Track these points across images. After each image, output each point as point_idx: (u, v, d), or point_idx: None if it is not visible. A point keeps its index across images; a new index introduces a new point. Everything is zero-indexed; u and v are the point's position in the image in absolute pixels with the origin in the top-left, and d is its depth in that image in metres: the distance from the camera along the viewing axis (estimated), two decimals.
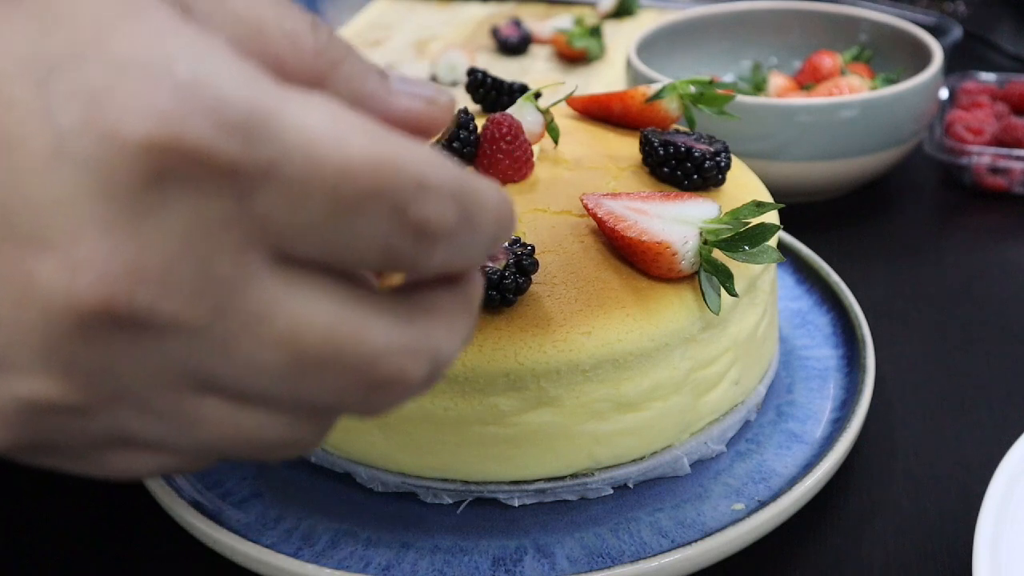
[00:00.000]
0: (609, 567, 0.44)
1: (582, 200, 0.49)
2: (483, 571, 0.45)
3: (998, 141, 0.80)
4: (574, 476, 0.48)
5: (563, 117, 0.60)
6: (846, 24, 0.89)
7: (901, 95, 0.74)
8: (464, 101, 0.65)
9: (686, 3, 1.20)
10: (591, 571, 0.44)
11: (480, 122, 0.56)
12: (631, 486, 0.49)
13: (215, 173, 0.22)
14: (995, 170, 0.79)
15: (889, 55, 0.86)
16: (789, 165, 0.75)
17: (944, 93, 0.87)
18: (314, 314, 0.24)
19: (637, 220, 0.46)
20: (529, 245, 0.45)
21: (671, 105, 0.57)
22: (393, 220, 0.24)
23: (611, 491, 0.49)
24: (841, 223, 0.78)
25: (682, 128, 0.57)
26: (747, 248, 0.45)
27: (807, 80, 0.85)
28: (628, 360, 0.45)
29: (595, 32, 1.04)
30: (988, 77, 0.90)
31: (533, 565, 0.45)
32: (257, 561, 0.45)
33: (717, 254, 0.45)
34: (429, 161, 0.24)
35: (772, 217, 0.51)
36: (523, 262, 0.43)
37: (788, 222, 0.58)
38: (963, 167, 0.80)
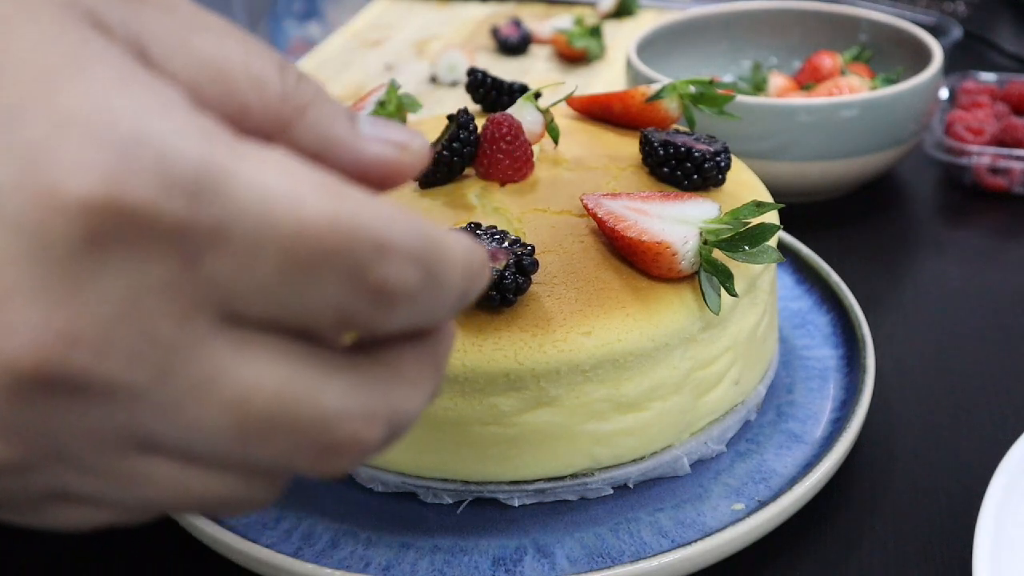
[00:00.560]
0: (609, 567, 0.44)
1: (582, 200, 0.49)
2: (483, 571, 0.45)
3: (998, 141, 0.80)
4: (574, 476, 0.48)
5: (563, 117, 0.60)
6: (846, 24, 0.89)
7: (901, 95, 0.74)
8: (464, 101, 0.65)
9: (686, 3, 1.20)
10: (591, 571, 0.44)
11: (480, 122, 0.56)
12: (631, 486, 0.49)
13: (159, 234, 0.21)
14: (995, 170, 0.79)
15: (889, 55, 0.86)
16: (789, 165, 0.75)
17: (944, 93, 0.87)
18: (263, 377, 0.23)
19: (637, 220, 0.46)
20: (529, 245, 0.45)
21: (671, 105, 0.57)
22: (350, 283, 0.23)
23: (611, 491, 0.49)
24: (841, 223, 0.78)
25: (682, 128, 0.57)
26: (747, 248, 0.45)
27: (807, 80, 0.85)
28: (628, 360, 0.45)
29: (595, 32, 1.04)
30: (988, 77, 0.90)
31: (533, 565, 0.45)
32: (257, 561, 0.45)
33: (717, 254, 0.45)
34: (391, 221, 0.23)
35: (772, 217, 0.51)
36: (523, 262, 0.43)
37: (788, 222, 0.58)
38: (963, 167, 0.80)
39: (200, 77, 0.25)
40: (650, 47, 0.86)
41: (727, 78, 0.91)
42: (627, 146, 0.56)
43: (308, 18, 2.68)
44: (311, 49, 1.14)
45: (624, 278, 0.47)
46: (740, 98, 0.72)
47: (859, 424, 0.51)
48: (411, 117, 0.61)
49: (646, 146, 0.53)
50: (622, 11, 1.18)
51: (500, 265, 0.43)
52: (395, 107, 0.59)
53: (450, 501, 0.49)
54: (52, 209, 0.21)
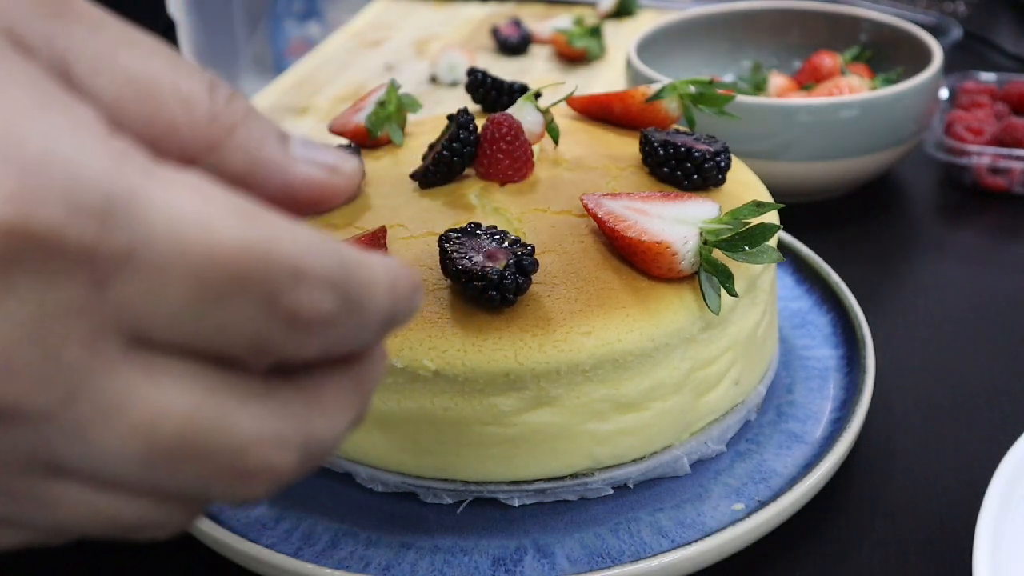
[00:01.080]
0: (609, 567, 0.44)
1: (582, 200, 0.49)
2: (483, 571, 0.45)
3: (998, 141, 0.80)
4: (574, 476, 0.48)
5: (563, 117, 0.60)
6: (846, 24, 0.89)
7: (901, 95, 0.74)
8: (464, 101, 0.65)
9: (686, 3, 1.20)
10: (591, 571, 0.44)
11: (480, 122, 0.56)
12: (631, 486, 0.49)
13: (66, 258, 0.21)
14: (995, 170, 0.79)
15: (889, 55, 0.86)
16: (789, 165, 0.75)
17: (944, 93, 0.87)
18: (173, 402, 0.23)
19: (637, 220, 0.46)
20: (529, 245, 0.45)
21: (671, 105, 0.57)
22: (263, 310, 0.23)
23: (611, 491, 0.49)
24: (841, 223, 0.78)
25: (682, 128, 0.57)
26: (747, 248, 0.45)
27: (807, 80, 0.85)
28: (628, 360, 0.45)
29: (595, 32, 1.04)
30: (988, 77, 0.90)
31: (533, 565, 0.45)
32: (257, 561, 0.45)
33: (717, 254, 0.45)
34: (307, 246, 0.23)
35: (772, 217, 0.51)
36: (523, 262, 0.43)
37: (788, 222, 0.58)
38: (963, 167, 0.80)
39: (125, 95, 0.25)
40: (650, 47, 0.86)
41: (727, 78, 0.91)
42: (627, 146, 0.56)
43: (308, 18, 2.68)
44: (311, 49, 1.14)
45: (624, 278, 0.47)
46: (740, 98, 0.72)
47: (859, 424, 0.51)
48: (411, 117, 0.61)
49: (646, 146, 0.53)
50: (622, 11, 1.18)
51: (500, 265, 0.43)
52: (395, 107, 0.59)
53: (450, 501, 0.49)
54: None
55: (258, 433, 0.24)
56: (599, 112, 0.60)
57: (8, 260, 0.21)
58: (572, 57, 1.04)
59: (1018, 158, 0.78)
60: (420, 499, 0.49)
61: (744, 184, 0.55)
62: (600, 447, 0.47)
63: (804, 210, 0.78)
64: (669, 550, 0.44)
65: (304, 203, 0.27)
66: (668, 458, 0.49)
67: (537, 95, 0.56)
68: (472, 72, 0.62)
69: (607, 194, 0.48)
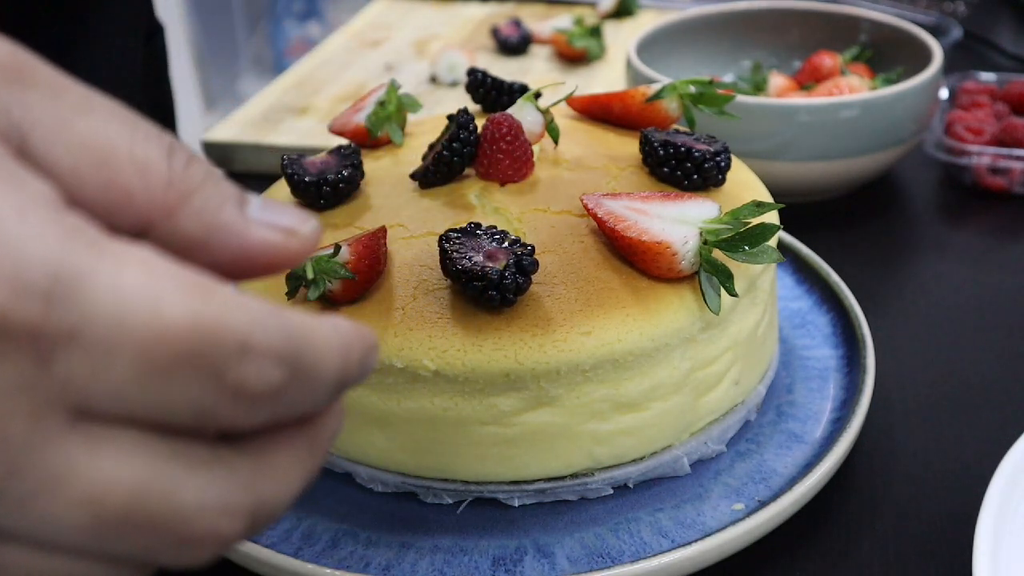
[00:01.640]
0: (609, 567, 0.44)
1: (582, 200, 0.49)
2: (483, 571, 0.45)
3: (998, 141, 0.80)
4: (574, 476, 0.48)
5: (563, 117, 0.60)
6: (846, 24, 0.89)
7: (901, 95, 0.74)
8: (464, 101, 0.65)
9: (686, 3, 1.20)
10: (591, 571, 0.44)
11: (480, 122, 0.56)
12: (631, 486, 0.49)
13: (11, 337, 0.21)
14: (995, 170, 0.79)
15: (889, 55, 0.86)
16: (789, 165, 0.75)
17: (944, 93, 0.87)
18: (118, 474, 0.23)
19: (637, 220, 0.46)
20: (529, 245, 0.45)
21: (671, 105, 0.57)
22: (209, 384, 0.23)
23: (611, 491, 0.49)
24: (841, 223, 0.78)
25: (682, 128, 0.57)
26: (747, 248, 0.45)
27: (807, 80, 0.85)
28: (628, 360, 0.45)
29: (595, 32, 1.04)
30: (988, 77, 0.90)
31: (533, 565, 0.45)
32: (257, 561, 0.45)
33: (717, 254, 0.45)
34: (255, 320, 0.24)
35: (772, 217, 0.51)
36: (523, 262, 0.43)
37: (788, 222, 0.58)
38: (963, 167, 0.80)
39: (82, 163, 0.25)
40: (650, 47, 0.86)
41: (727, 78, 0.91)
42: (627, 146, 0.56)
43: (308, 18, 2.68)
44: (311, 49, 1.14)
45: (624, 278, 0.47)
46: (740, 98, 0.72)
47: (859, 424, 0.51)
48: (411, 117, 0.61)
49: (646, 146, 0.53)
50: (622, 11, 1.18)
51: (500, 265, 0.43)
52: (395, 107, 0.59)
53: (450, 501, 0.49)
54: None
55: (204, 501, 0.24)
56: (599, 112, 0.60)
57: None
58: (572, 57, 1.04)
59: (1018, 158, 0.78)
60: (420, 499, 0.49)
61: (744, 184, 0.55)
62: (600, 447, 0.47)
63: (804, 210, 0.78)
64: (669, 550, 0.44)
65: (261, 266, 0.28)
66: (668, 458, 0.49)
67: (537, 95, 0.56)
68: (472, 72, 0.62)
69: (607, 194, 0.48)
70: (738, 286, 0.46)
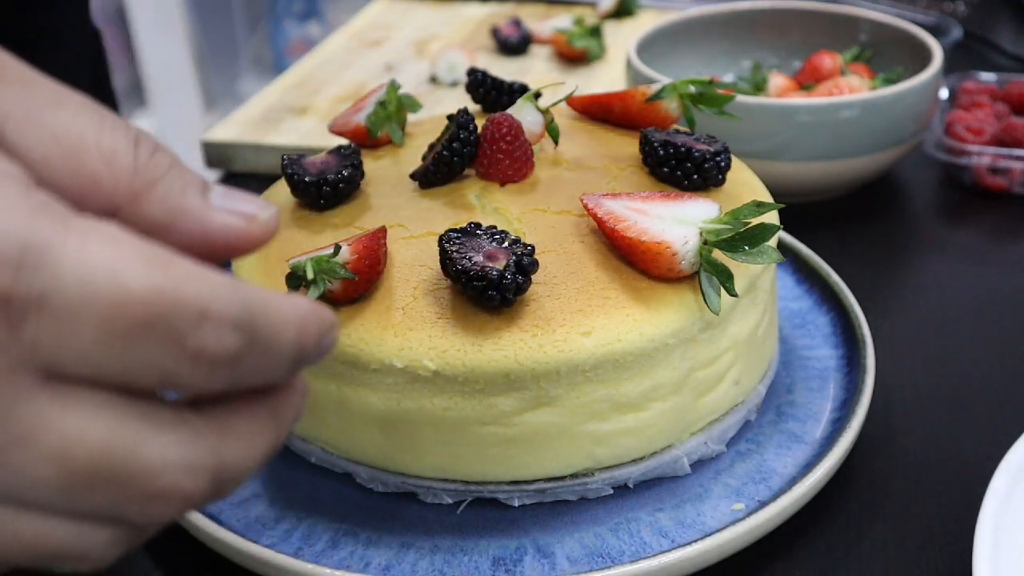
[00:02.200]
0: (609, 567, 0.44)
1: (582, 200, 0.49)
2: (483, 571, 0.45)
3: (998, 141, 0.80)
4: (574, 476, 0.48)
5: (563, 117, 0.60)
6: (846, 24, 0.89)
7: (901, 95, 0.74)
8: (464, 101, 0.65)
9: (686, 3, 1.20)
10: (591, 571, 0.44)
11: (480, 122, 0.56)
12: (631, 486, 0.49)
13: None
14: (995, 170, 0.79)
15: (889, 55, 0.86)
16: (789, 165, 0.75)
17: (944, 93, 0.87)
18: (86, 430, 0.25)
19: (637, 220, 0.46)
20: (529, 245, 0.45)
21: (671, 105, 0.57)
22: (169, 349, 0.25)
23: (611, 491, 0.49)
24: (841, 223, 0.78)
25: (682, 128, 0.57)
26: (747, 248, 0.45)
27: (807, 80, 0.85)
28: (628, 360, 0.45)
29: (595, 32, 1.04)
30: (988, 77, 0.90)
31: (533, 565, 0.45)
32: (257, 561, 0.45)
33: (717, 254, 0.45)
34: (213, 290, 0.25)
35: (772, 217, 0.51)
36: (523, 262, 0.43)
37: (788, 222, 0.58)
38: (963, 167, 0.80)
39: (52, 152, 0.27)
40: (650, 47, 0.86)
41: (727, 78, 0.91)
42: (627, 146, 0.56)
43: (308, 18, 2.68)
44: (311, 49, 1.14)
45: (624, 278, 0.47)
46: (740, 98, 0.72)
47: (859, 424, 0.51)
48: (411, 117, 0.61)
49: (646, 146, 0.53)
50: (622, 11, 1.18)
51: (500, 265, 0.43)
52: (395, 107, 0.59)
53: (450, 501, 0.49)
54: None
55: (168, 458, 0.26)
56: (599, 112, 0.60)
57: None
58: (572, 57, 1.04)
59: (1018, 158, 0.78)
60: (420, 499, 0.49)
61: (744, 184, 0.55)
62: (600, 447, 0.47)
63: (804, 210, 0.78)
64: (669, 550, 0.44)
65: (222, 249, 0.29)
66: (668, 458, 0.49)
67: (537, 95, 0.56)
68: (472, 72, 0.62)
69: (607, 194, 0.48)
70: (738, 286, 0.46)
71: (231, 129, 0.92)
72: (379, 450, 0.48)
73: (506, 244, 0.45)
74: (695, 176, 0.51)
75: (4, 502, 0.25)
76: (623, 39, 1.09)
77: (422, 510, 0.49)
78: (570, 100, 0.60)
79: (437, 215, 0.51)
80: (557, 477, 0.48)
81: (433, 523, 0.48)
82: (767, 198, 0.54)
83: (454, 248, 0.44)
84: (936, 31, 1.03)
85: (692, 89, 0.56)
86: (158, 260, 0.25)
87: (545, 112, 0.56)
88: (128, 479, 0.25)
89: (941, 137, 0.80)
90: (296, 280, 0.46)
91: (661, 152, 0.52)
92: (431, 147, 0.55)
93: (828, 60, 0.84)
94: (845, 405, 0.53)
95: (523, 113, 0.55)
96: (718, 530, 0.45)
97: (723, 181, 0.53)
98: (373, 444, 0.48)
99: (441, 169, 0.53)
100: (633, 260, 0.47)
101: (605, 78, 1.01)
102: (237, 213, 0.29)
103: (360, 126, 0.58)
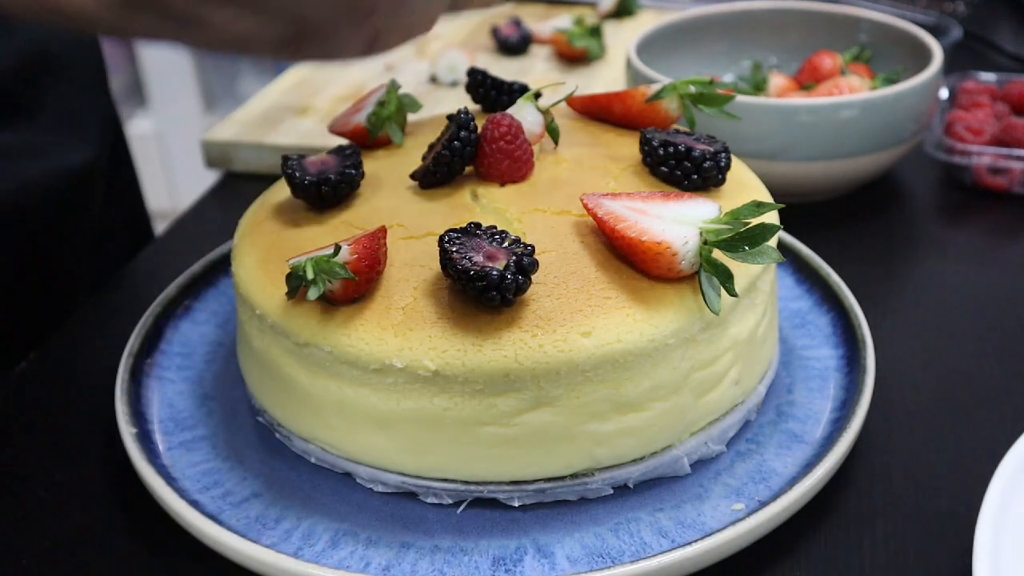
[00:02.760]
0: (609, 567, 0.44)
1: (582, 200, 0.49)
2: (483, 571, 0.45)
3: (998, 141, 0.80)
4: (574, 476, 0.48)
5: (563, 117, 0.60)
6: (846, 24, 0.89)
7: (901, 95, 0.74)
8: (464, 101, 0.65)
9: (686, 3, 1.20)
10: (591, 571, 0.44)
11: (480, 122, 0.56)
12: (631, 486, 0.49)
13: None
14: (995, 170, 0.79)
15: (889, 55, 0.86)
16: (789, 165, 0.75)
17: (944, 93, 0.87)
18: None
19: (637, 220, 0.46)
20: (529, 245, 0.45)
21: (671, 105, 0.57)
22: None
23: (611, 491, 0.49)
24: (841, 223, 0.78)
25: (682, 128, 0.57)
26: (747, 248, 0.45)
27: (807, 80, 0.85)
28: (628, 360, 0.45)
29: (595, 32, 1.04)
30: (988, 77, 0.90)
31: (533, 565, 0.45)
32: (257, 561, 0.45)
33: (717, 254, 0.45)
34: None
35: (772, 217, 0.51)
36: (523, 262, 0.43)
37: (788, 222, 0.58)
38: (963, 167, 0.80)
39: None
40: (650, 47, 0.86)
41: (727, 78, 0.91)
42: (627, 146, 0.56)
43: None
44: None
45: (624, 278, 0.47)
46: (740, 98, 0.72)
47: (859, 424, 0.51)
48: (411, 117, 0.61)
49: (646, 146, 0.53)
50: (622, 11, 1.18)
51: (500, 265, 0.43)
52: (395, 107, 0.59)
53: (450, 501, 0.49)
54: None
55: None
56: (599, 112, 0.60)
57: None
58: (572, 57, 1.04)
59: (1018, 158, 0.78)
60: (420, 499, 0.49)
61: (744, 184, 0.55)
62: (600, 447, 0.47)
63: (804, 210, 0.78)
64: (669, 550, 0.44)
65: None
66: (668, 458, 0.49)
67: (537, 95, 0.56)
68: (472, 72, 0.62)
69: (607, 194, 0.48)
70: (738, 286, 0.46)
71: (231, 129, 0.92)
72: (379, 450, 0.48)
73: (506, 244, 0.45)
74: (695, 176, 0.51)
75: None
76: (623, 39, 1.09)
77: (422, 510, 0.49)
78: (570, 100, 0.60)
79: (437, 215, 0.51)
80: (557, 477, 0.48)
81: (433, 523, 0.48)
82: (767, 198, 0.54)
83: (454, 248, 0.44)
84: (936, 31, 1.03)
85: (692, 89, 0.56)
86: None
87: (545, 112, 0.56)
88: None
89: (941, 137, 0.80)
90: (296, 280, 0.46)
91: (661, 152, 0.52)
92: (431, 147, 0.55)
93: (828, 60, 0.84)
94: (845, 405, 0.53)
95: (523, 113, 0.55)
96: (718, 530, 0.45)
97: (723, 181, 0.53)
98: (373, 444, 0.48)
99: (441, 169, 0.53)
100: (633, 260, 0.47)
101: (605, 78, 1.01)
102: None
103: (360, 126, 0.58)
